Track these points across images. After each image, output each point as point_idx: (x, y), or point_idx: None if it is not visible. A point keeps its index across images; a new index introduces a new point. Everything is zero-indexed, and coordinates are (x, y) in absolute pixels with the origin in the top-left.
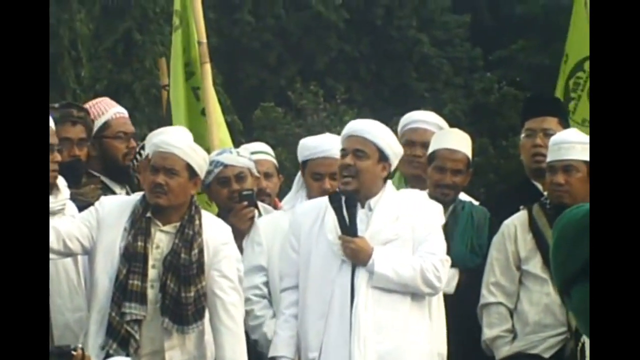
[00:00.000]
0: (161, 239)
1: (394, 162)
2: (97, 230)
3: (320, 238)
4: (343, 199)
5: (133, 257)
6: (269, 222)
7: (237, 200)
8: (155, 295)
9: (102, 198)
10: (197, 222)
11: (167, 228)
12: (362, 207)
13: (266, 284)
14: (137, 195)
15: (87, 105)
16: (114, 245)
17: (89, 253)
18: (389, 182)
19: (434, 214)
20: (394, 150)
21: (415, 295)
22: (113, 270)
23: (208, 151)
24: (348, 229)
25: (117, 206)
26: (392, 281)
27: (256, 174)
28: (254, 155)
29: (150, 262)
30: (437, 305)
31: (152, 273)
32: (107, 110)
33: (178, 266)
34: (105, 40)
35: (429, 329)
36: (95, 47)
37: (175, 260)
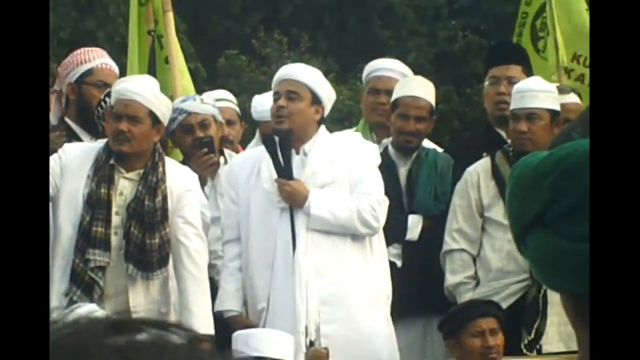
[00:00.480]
0: (124, 186)
1: (327, 105)
2: (60, 178)
3: (258, 188)
4: (277, 143)
5: (96, 204)
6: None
7: (199, 147)
8: (119, 242)
9: (65, 145)
10: (160, 169)
11: (130, 175)
12: (297, 153)
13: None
14: (101, 143)
15: (78, 51)
16: (77, 193)
17: (52, 200)
18: (323, 126)
19: (369, 154)
20: (327, 93)
21: (355, 237)
22: (76, 218)
23: (172, 99)
24: (284, 172)
25: (80, 153)
26: (329, 222)
27: (220, 119)
28: (217, 102)
29: (114, 209)
30: (379, 245)
31: (115, 220)
32: (94, 58)
33: (142, 213)
34: None
35: (372, 270)
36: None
37: (138, 207)
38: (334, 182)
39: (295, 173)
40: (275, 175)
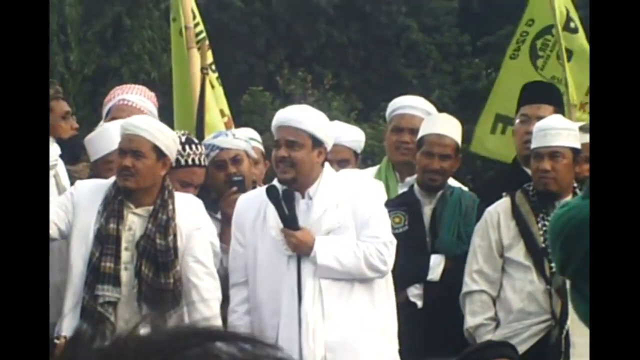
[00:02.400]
0: (133, 221)
1: (329, 144)
2: (72, 215)
3: (264, 233)
4: (281, 191)
5: (105, 240)
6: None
7: (230, 184)
8: (129, 278)
9: (77, 182)
10: (170, 206)
11: (139, 211)
12: (302, 197)
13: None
14: (112, 179)
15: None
16: (88, 229)
17: (66, 237)
18: (327, 165)
19: (375, 193)
20: (327, 133)
21: (363, 282)
22: (87, 254)
23: (194, 133)
24: (289, 222)
25: (91, 189)
26: (336, 271)
27: (254, 156)
28: None
29: (123, 245)
30: (386, 289)
31: (125, 255)
32: (115, 96)
33: (154, 252)
34: (94, 25)
35: (380, 312)
36: (84, 31)
37: (149, 246)
38: (340, 227)
39: (301, 219)
40: (280, 221)
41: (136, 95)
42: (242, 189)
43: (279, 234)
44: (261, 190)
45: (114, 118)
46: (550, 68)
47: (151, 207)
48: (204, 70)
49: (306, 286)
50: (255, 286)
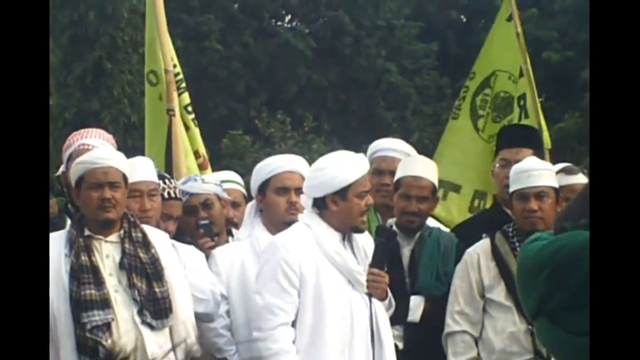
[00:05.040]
0: (109, 249)
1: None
2: None
3: (329, 272)
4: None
5: (80, 272)
6: (225, 252)
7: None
8: (124, 298)
9: None
10: (139, 227)
11: (111, 238)
12: (343, 239)
13: (228, 313)
14: (62, 230)
15: (70, 135)
16: (61, 278)
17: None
18: None
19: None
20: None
21: None
22: (67, 297)
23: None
24: (380, 263)
25: (50, 242)
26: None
27: (226, 197)
28: (223, 184)
29: (106, 272)
30: None
31: (111, 280)
32: (74, 141)
33: (141, 266)
34: (75, 69)
35: None
36: (64, 76)
37: (134, 262)
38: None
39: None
40: (350, 262)
41: (95, 139)
42: (209, 232)
43: (358, 266)
44: (296, 229)
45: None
46: (490, 128)
47: (121, 231)
48: (169, 112)
49: (381, 325)
50: (320, 325)
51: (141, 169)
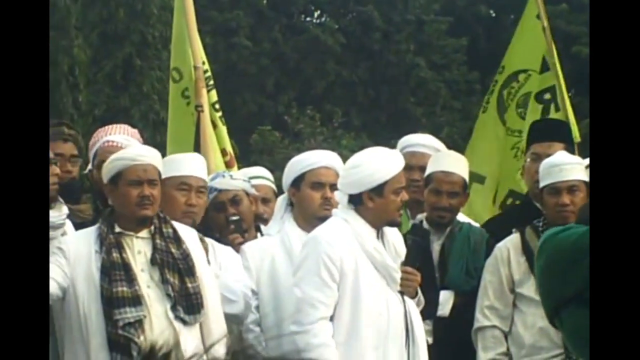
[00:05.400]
0: (140, 245)
1: None
2: (70, 268)
3: (366, 268)
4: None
5: (112, 268)
6: (256, 247)
7: (228, 225)
8: (157, 294)
9: (63, 238)
10: (169, 223)
11: (142, 234)
12: (377, 235)
13: (257, 308)
14: (92, 227)
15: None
16: (92, 274)
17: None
18: None
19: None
20: None
21: None
22: (97, 293)
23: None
24: (414, 261)
25: (80, 239)
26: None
27: (254, 192)
28: (253, 180)
29: (138, 268)
30: None
31: (143, 277)
32: (100, 138)
33: (173, 261)
34: (104, 66)
35: None
36: (93, 73)
37: (166, 257)
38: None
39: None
40: (388, 259)
41: (120, 135)
42: (239, 228)
43: (393, 262)
44: (336, 221)
45: (102, 161)
46: (512, 122)
47: (152, 227)
48: (198, 108)
49: (415, 323)
50: (357, 319)
51: (193, 164)
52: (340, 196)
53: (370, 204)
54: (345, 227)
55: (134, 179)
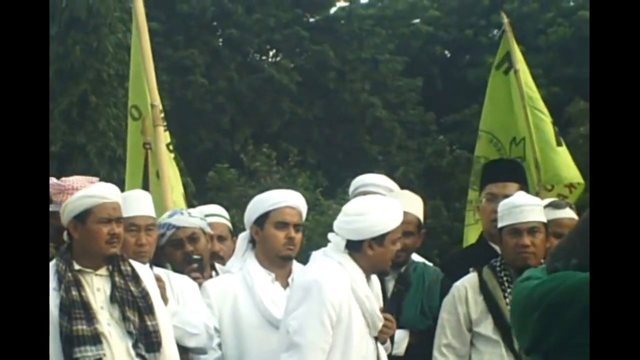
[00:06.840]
0: (100, 282)
1: None
2: None
3: (356, 314)
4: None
5: (71, 307)
6: (217, 285)
7: (189, 262)
8: (118, 332)
9: None
10: (127, 261)
11: (100, 272)
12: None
13: (220, 345)
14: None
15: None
16: (51, 312)
17: None
18: None
19: None
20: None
21: None
22: (57, 333)
23: (163, 212)
24: (391, 307)
25: None
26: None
27: (210, 232)
28: (209, 217)
29: (98, 305)
30: None
31: (103, 314)
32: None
33: (133, 299)
34: (60, 103)
35: None
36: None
37: (125, 295)
38: None
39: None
40: (376, 307)
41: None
42: (201, 267)
43: (379, 317)
44: (335, 266)
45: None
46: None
47: (109, 265)
48: (146, 145)
49: None
50: None
51: (139, 203)
52: (337, 240)
53: (370, 252)
54: (342, 272)
55: (104, 217)
